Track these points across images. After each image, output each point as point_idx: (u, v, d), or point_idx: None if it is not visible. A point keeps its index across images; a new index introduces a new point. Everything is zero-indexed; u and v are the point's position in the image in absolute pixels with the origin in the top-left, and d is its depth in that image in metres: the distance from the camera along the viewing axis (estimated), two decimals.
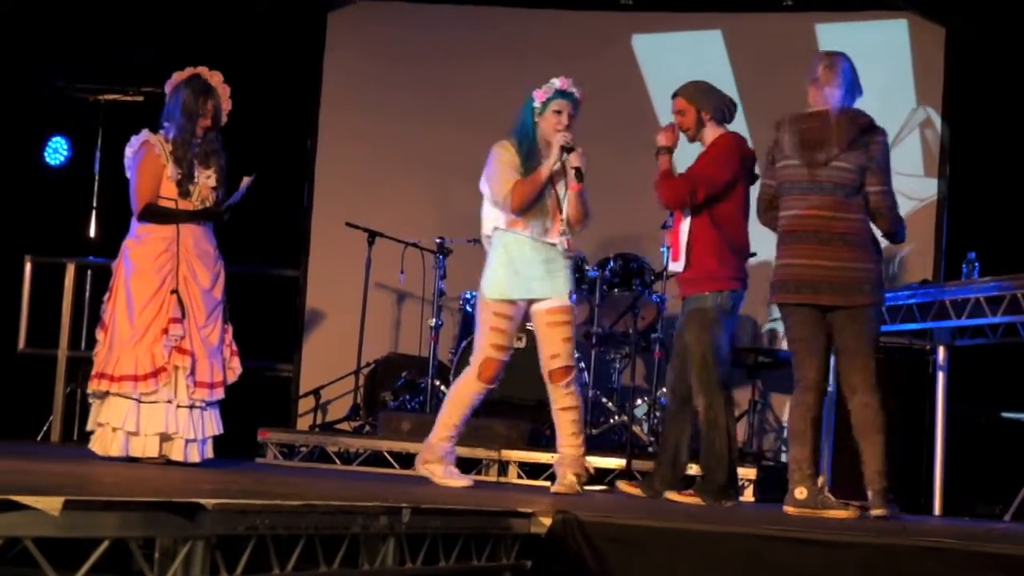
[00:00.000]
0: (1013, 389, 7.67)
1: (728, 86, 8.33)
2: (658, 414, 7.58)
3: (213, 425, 6.11)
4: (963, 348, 6.93)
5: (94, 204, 9.44)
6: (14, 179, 9.15)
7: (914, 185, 8.15)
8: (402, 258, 8.33)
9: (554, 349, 5.78)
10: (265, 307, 8.81)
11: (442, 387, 7.68)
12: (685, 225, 5.96)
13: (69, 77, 9.40)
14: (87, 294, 8.85)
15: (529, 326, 6.31)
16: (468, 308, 7.97)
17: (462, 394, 5.86)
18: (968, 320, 6.49)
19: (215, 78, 6.25)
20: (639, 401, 8.00)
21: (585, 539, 4.08)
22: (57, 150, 9.51)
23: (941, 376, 6.80)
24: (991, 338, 6.64)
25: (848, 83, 5.49)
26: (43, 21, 8.92)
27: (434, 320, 8.02)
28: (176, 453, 5.98)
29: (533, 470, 7.15)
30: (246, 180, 6.19)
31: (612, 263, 7.96)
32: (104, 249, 8.39)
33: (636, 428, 7.61)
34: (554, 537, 4.12)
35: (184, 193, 6.12)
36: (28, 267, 8.73)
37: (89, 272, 8.90)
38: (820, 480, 5.41)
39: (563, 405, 5.81)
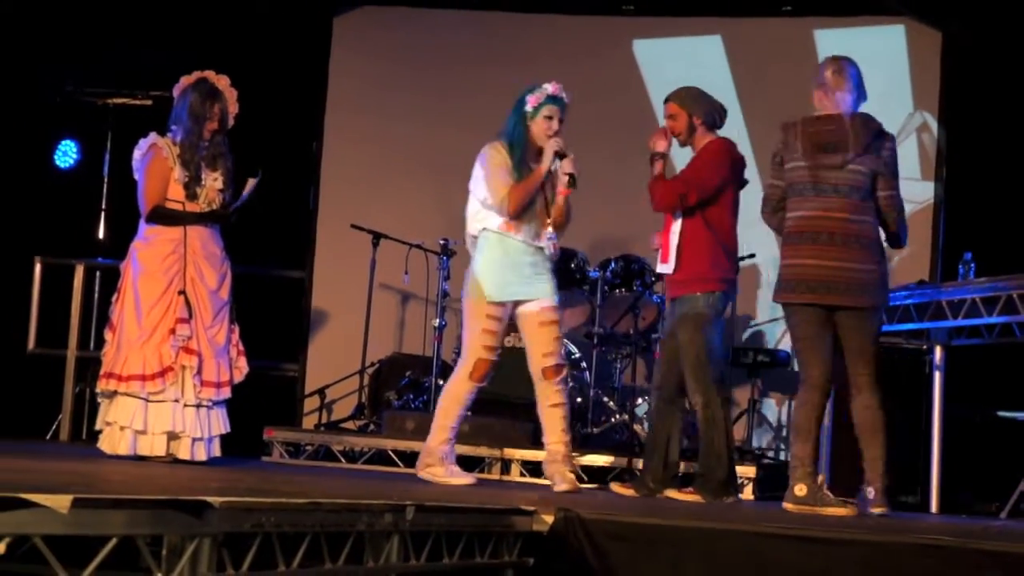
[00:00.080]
0: (1009, 388, 7.71)
1: (727, 90, 8.43)
2: None
3: (220, 424, 6.11)
4: (959, 348, 6.91)
5: (103, 206, 9.48)
6: (25, 181, 9.19)
7: (911, 188, 8.18)
8: (406, 259, 8.35)
9: (547, 348, 5.82)
10: (271, 308, 8.82)
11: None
12: (675, 227, 5.99)
13: (78, 81, 9.43)
14: (96, 295, 8.92)
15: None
16: None
17: (455, 395, 5.89)
18: (964, 320, 6.48)
19: (222, 82, 6.25)
20: (640, 400, 8.04)
21: (587, 536, 4.07)
22: (67, 153, 9.55)
23: (938, 376, 6.77)
24: (987, 338, 6.64)
25: (856, 88, 5.53)
26: (53, 26, 8.93)
27: (438, 320, 8.02)
28: (183, 452, 5.97)
29: (535, 468, 7.17)
30: (251, 181, 6.18)
31: (613, 264, 8.00)
32: (113, 250, 8.45)
33: (637, 427, 7.64)
34: (556, 534, 4.12)
35: (191, 195, 6.11)
36: (38, 268, 8.74)
37: (98, 273, 8.98)
38: (820, 478, 5.44)
39: (554, 402, 5.83)
